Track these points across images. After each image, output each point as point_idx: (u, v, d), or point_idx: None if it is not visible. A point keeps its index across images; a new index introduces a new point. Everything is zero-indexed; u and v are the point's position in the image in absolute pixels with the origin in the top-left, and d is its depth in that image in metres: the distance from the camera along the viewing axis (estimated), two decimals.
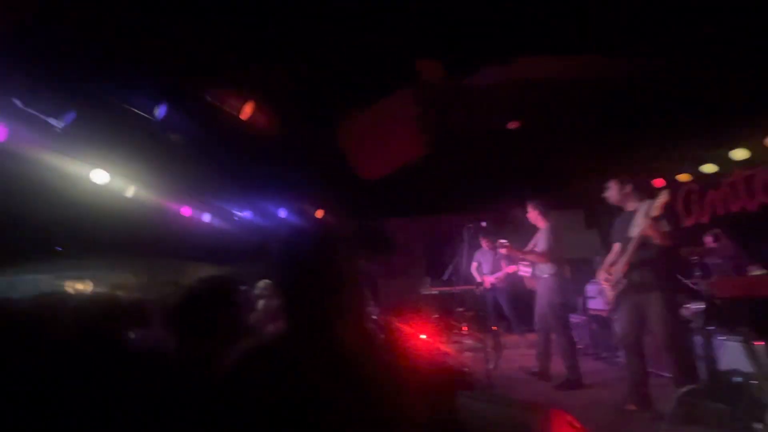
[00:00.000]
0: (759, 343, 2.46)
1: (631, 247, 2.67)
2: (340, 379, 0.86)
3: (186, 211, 5.50)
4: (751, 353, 2.37)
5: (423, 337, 3.91)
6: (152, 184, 4.56)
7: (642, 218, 2.66)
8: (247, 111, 2.99)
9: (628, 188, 2.90)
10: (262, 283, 3.99)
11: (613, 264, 2.84)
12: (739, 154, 4.69)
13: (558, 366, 3.65)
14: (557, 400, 3.12)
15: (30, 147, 3.31)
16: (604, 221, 4.42)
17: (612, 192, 2.96)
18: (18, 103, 2.80)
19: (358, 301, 1.04)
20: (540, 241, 3.79)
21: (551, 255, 3.63)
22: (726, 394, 2.24)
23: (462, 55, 2.72)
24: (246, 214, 6.26)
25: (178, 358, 1.66)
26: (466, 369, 3.41)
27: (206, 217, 5.92)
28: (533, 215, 3.92)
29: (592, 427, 2.29)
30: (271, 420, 0.77)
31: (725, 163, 5.01)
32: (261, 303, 3.96)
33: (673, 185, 5.32)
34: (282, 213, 6.30)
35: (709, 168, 5.23)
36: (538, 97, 3.71)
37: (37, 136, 3.25)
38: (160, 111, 3.06)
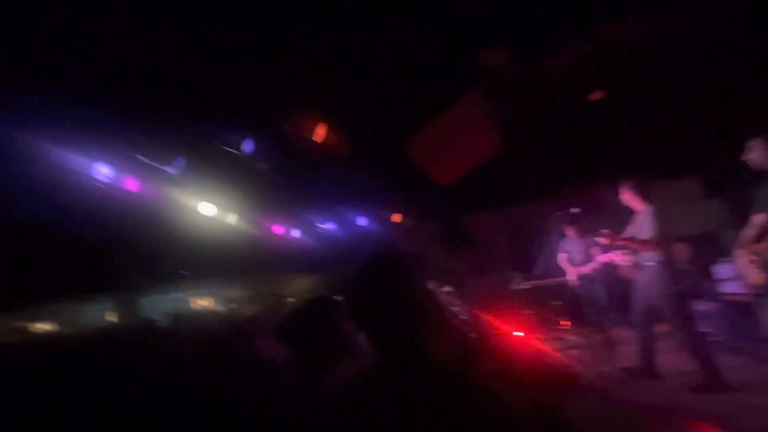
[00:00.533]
0: None
1: None
2: (443, 398, 0.85)
3: (278, 229, 6.06)
4: None
5: (518, 334, 3.71)
6: (247, 210, 5.14)
7: None
8: (320, 132, 3.19)
9: None
10: None
11: (760, 238, 2.33)
12: None
13: (680, 363, 3.13)
14: (695, 405, 2.66)
15: (155, 192, 3.98)
16: (732, 189, 3.67)
17: (756, 153, 2.43)
18: (143, 158, 3.40)
19: (441, 314, 1.02)
20: (642, 226, 3.31)
21: (658, 240, 3.14)
22: None
23: (529, 39, 2.51)
24: (329, 226, 6.65)
25: (289, 368, 1.82)
26: (574, 369, 3.13)
27: (295, 233, 6.44)
28: (628, 197, 3.43)
29: None
30: None
31: None
32: None
33: None
34: (361, 221, 6.55)
35: None
36: (625, 60, 3.23)
37: (159, 182, 3.91)
38: (247, 146, 3.43)
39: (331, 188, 4.87)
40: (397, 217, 6.47)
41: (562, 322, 4.08)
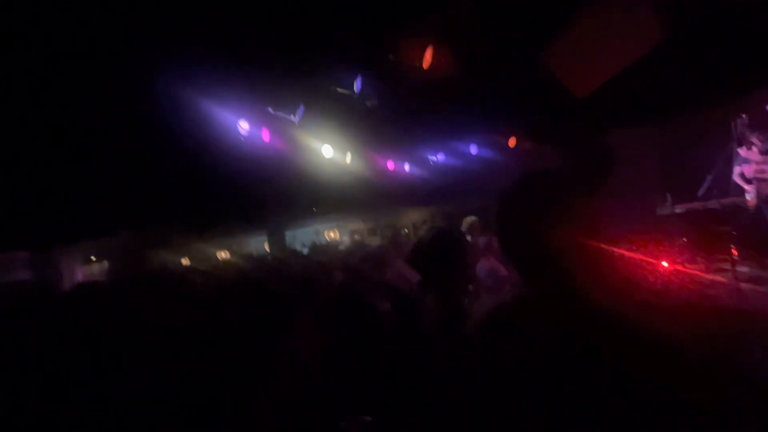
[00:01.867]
0: None
1: None
2: (590, 332, 0.80)
3: (391, 164, 6.25)
4: None
5: (667, 264, 3.23)
6: (362, 148, 5.39)
7: None
8: (427, 58, 2.99)
9: None
10: (468, 220, 4.19)
11: None
12: None
13: None
14: None
15: (282, 140, 4.47)
16: None
17: None
18: (270, 110, 3.78)
19: (595, 243, 0.92)
20: None
21: None
22: None
23: None
24: (440, 157, 6.54)
25: (422, 293, 1.97)
26: (753, 306, 2.62)
27: (408, 167, 6.55)
28: None
29: None
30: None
31: None
32: (468, 238, 4.19)
33: None
34: (473, 149, 6.24)
35: None
36: None
37: (283, 131, 4.35)
38: (357, 85, 3.47)
39: (442, 118, 4.68)
40: (511, 142, 5.94)
41: (732, 251, 3.34)
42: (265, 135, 4.13)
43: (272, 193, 6.23)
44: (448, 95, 3.77)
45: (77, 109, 3.19)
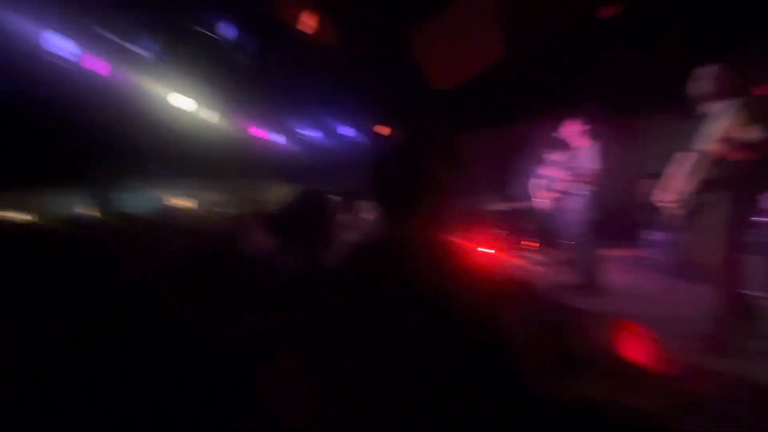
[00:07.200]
0: None
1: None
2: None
3: (257, 131, 5.83)
4: None
5: (484, 250, 4.05)
6: (225, 106, 4.85)
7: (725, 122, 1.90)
8: (311, 24, 2.89)
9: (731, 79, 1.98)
10: (332, 200, 4.33)
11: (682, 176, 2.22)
12: None
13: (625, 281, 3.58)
14: (629, 313, 3.10)
15: (128, 78, 3.64)
16: None
17: (704, 82, 2.06)
18: (115, 39, 3.02)
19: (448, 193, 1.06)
20: (585, 160, 3.36)
21: (596, 175, 3.23)
22: None
23: None
24: (312, 133, 6.45)
25: (282, 255, 1.95)
26: (529, 280, 3.53)
27: (277, 137, 6.23)
28: (574, 132, 3.42)
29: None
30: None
31: None
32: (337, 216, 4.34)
33: None
34: (344, 131, 6.37)
35: None
36: None
37: (132, 67, 3.54)
38: (230, 32, 3.10)
39: (319, 91, 4.61)
40: (383, 130, 6.32)
41: (529, 243, 4.49)
42: (98, 66, 3.30)
43: (104, 141, 5.02)
44: (328, 69, 3.74)
45: None
